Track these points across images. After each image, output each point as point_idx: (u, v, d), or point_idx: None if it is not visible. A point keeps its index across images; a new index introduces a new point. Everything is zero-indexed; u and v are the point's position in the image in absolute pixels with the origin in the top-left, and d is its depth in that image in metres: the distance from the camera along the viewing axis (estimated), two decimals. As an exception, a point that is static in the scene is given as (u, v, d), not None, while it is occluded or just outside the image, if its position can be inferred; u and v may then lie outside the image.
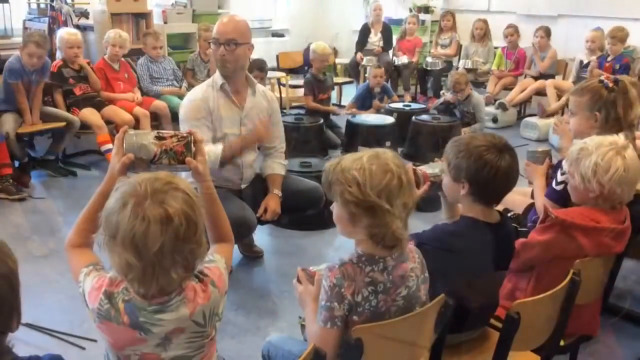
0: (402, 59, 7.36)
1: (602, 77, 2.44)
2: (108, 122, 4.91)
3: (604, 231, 1.92)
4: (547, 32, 6.57)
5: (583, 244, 1.90)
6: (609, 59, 5.94)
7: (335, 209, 1.55)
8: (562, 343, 1.99)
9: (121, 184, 1.30)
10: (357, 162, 1.48)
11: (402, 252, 1.55)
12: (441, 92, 6.57)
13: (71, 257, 1.52)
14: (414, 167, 2.00)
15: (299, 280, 1.71)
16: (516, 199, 2.59)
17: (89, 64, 5.03)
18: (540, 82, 6.62)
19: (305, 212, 3.17)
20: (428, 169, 2.01)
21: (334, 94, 6.96)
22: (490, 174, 1.70)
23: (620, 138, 1.97)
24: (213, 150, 2.78)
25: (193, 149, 1.62)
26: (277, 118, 3.16)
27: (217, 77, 2.94)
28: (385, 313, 1.53)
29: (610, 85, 2.36)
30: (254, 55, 5.24)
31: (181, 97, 4.65)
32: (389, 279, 1.51)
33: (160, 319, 1.30)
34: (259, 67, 5.25)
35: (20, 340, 1.20)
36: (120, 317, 1.29)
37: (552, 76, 6.65)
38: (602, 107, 2.36)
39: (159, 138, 1.62)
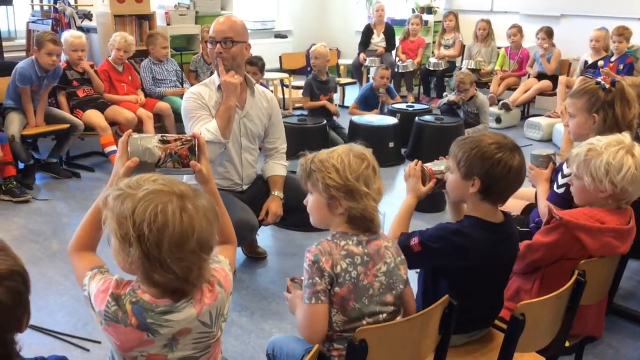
0: (406, 65, 7.34)
1: (600, 79, 2.44)
2: (112, 122, 4.94)
3: (608, 232, 1.91)
4: (548, 33, 6.56)
5: (588, 245, 1.89)
6: (613, 58, 5.94)
7: (312, 198, 1.70)
8: (567, 344, 1.99)
9: (119, 189, 1.29)
10: (333, 153, 1.64)
11: (375, 232, 1.65)
12: (444, 94, 6.56)
13: (75, 261, 1.52)
14: (422, 165, 2.02)
15: (288, 291, 1.76)
16: (513, 202, 2.58)
17: (92, 66, 5.03)
18: (544, 82, 6.61)
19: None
20: (433, 166, 2.03)
21: (336, 95, 6.95)
22: (504, 172, 1.72)
23: (626, 137, 1.97)
24: (212, 125, 2.77)
25: (197, 152, 1.63)
26: (278, 118, 3.15)
27: (215, 78, 2.93)
28: (369, 287, 1.59)
29: (607, 86, 2.37)
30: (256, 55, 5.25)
31: (184, 97, 4.65)
32: (364, 252, 1.60)
33: (168, 319, 1.30)
34: (250, 61, 5.05)
35: (24, 342, 1.19)
36: (128, 318, 1.29)
37: (556, 76, 6.64)
38: (599, 109, 2.37)
39: (163, 141, 1.62)
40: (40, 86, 4.53)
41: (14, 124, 4.42)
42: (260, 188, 3.13)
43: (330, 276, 1.56)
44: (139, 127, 5.04)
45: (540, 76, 6.69)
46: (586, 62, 6.20)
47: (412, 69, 7.34)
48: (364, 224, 1.62)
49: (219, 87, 2.88)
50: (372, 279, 1.60)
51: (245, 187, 3.11)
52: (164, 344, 1.32)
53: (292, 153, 4.25)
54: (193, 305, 1.33)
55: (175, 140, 1.64)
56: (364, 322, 1.60)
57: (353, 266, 1.57)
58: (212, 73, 2.97)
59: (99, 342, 2.55)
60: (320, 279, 1.55)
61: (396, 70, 7.30)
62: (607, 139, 1.96)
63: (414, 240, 1.76)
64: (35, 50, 4.42)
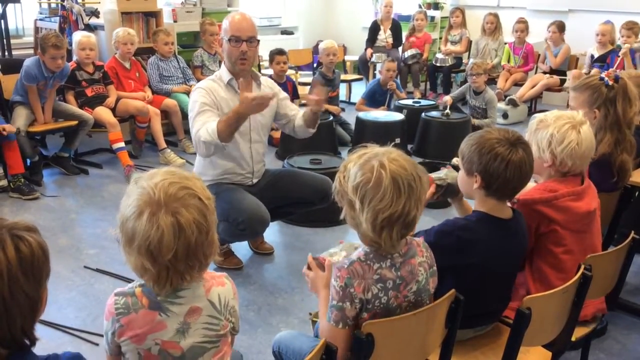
0: (411, 51, 7.38)
1: (603, 74, 2.46)
2: (125, 116, 5.03)
3: (563, 196, 1.97)
4: (560, 27, 6.54)
5: (549, 214, 1.95)
6: (620, 53, 5.90)
7: None
8: (573, 339, 1.99)
9: (137, 182, 1.33)
10: (359, 155, 1.52)
11: (409, 248, 1.57)
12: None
13: None
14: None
15: (309, 268, 1.73)
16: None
17: (101, 66, 5.05)
18: (551, 77, 6.57)
19: (314, 206, 3.17)
20: (434, 174, 2.03)
21: (343, 91, 6.95)
22: (501, 167, 1.70)
23: (579, 114, 2.04)
24: (210, 126, 2.72)
25: None
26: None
27: (223, 74, 2.95)
28: (396, 308, 1.54)
29: (611, 83, 2.39)
30: (262, 51, 5.28)
31: (191, 94, 4.67)
32: (397, 275, 1.53)
33: (178, 295, 1.36)
34: (280, 51, 5.40)
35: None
36: (138, 301, 1.34)
37: (564, 72, 6.62)
38: (601, 105, 2.42)
39: None
40: (46, 85, 4.55)
41: (20, 118, 4.46)
42: (269, 181, 3.16)
43: (362, 301, 1.49)
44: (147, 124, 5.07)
45: (551, 71, 6.66)
46: (592, 56, 6.19)
47: (416, 53, 7.37)
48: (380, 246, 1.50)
49: (228, 82, 2.92)
50: (402, 300, 1.54)
51: (255, 181, 3.13)
52: (176, 329, 1.35)
53: (299, 149, 4.27)
54: (202, 285, 1.39)
55: None
56: None
57: (384, 291, 1.50)
58: (221, 62, 3.00)
59: (107, 337, 2.57)
60: (351, 305, 1.49)
61: (403, 58, 7.31)
62: (560, 113, 2.05)
63: (418, 239, 1.75)
64: (40, 54, 4.45)
